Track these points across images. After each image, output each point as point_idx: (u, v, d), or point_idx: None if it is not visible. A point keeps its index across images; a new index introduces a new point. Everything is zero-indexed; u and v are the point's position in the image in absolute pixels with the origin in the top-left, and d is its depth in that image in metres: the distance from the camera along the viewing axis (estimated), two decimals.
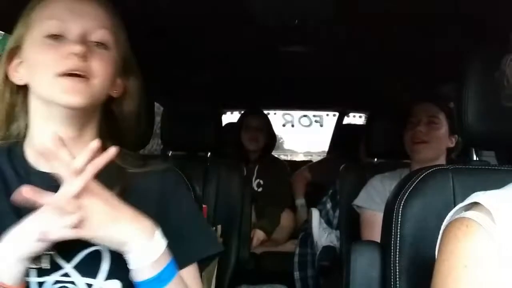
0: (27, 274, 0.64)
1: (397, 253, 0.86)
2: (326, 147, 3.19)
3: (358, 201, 1.58)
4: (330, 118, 3.30)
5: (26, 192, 0.58)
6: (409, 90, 2.04)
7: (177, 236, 0.71)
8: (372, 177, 1.59)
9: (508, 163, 0.92)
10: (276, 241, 2.33)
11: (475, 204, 0.63)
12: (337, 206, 1.94)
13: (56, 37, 0.69)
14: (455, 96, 0.88)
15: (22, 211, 0.64)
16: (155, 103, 1.73)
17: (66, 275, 0.67)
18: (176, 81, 2.03)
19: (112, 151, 0.63)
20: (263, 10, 1.23)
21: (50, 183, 0.64)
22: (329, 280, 1.89)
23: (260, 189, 2.45)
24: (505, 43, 0.67)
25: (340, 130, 3.09)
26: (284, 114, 3.36)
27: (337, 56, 1.73)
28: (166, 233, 0.68)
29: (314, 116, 3.41)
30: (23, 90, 0.73)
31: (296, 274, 2.06)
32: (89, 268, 0.68)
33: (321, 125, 3.43)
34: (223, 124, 2.86)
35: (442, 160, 1.53)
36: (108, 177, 0.67)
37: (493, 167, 0.92)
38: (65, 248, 0.66)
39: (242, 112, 2.67)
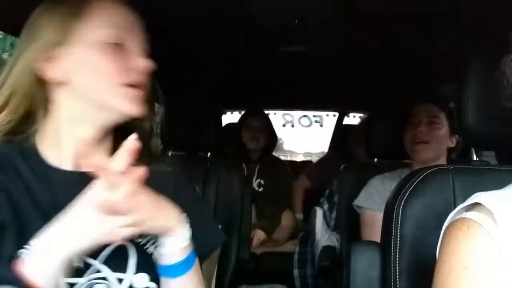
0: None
1: (397, 253, 0.86)
2: (326, 148, 3.19)
3: (358, 201, 1.58)
4: (330, 118, 3.30)
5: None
6: (409, 90, 2.04)
7: None
8: (372, 177, 1.59)
9: (508, 163, 0.92)
10: (277, 241, 2.33)
11: (476, 205, 0.63)
12: (333, 207, 1.95)
13: (116, 45, 0.70)
14: (455, 96, 0.88)
15: (46, 210, 0.65)
16: (155, 103, 1.73)
17: (97, 271, 0.68)
18: (176, 81, 2.03)
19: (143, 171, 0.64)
20: (263, 10, 1.22)
21: (71, 181, 0.67)
22: (329, 280, 1.89)
23: (260, 189, 2.45)
24: (505, 43, 0.67)
25: (340, 130, 3.09)
26: (284, 114, 3.36)
27: (337, 56, 1.72)
28: None
29: (314, 116, 3.41)
30: (46, 87, 0.71)
31: (296, 272, 2.06)
32: (117, 263, 0.69)
33: (321, 125, 3.43)
34: (223, 124, 2.87)
35: (442, 160, 1.53)
36: None
37: (493, 167, 0.92)
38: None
39: (243, 112, 2.67)
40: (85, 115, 0.71)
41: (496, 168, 0.92)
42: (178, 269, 0.70)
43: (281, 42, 1.57)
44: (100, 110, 0.70)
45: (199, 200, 0.86)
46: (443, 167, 0.91)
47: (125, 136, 0.66)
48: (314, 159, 3.73)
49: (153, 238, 0.73)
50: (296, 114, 3.38)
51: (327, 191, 2.03)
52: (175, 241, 0.69)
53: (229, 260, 1.63)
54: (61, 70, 0.69)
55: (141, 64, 0.71)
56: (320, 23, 1.32)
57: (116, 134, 0.77)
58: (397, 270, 0.85)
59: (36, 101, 0.70)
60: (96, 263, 0.68)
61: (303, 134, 4.04)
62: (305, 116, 3.39)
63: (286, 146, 4.72)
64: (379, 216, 0.99)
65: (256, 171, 2.47)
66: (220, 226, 0.93)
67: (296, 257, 2.09)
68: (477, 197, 0.63)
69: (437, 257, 0.64)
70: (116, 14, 0.71)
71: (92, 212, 0.61)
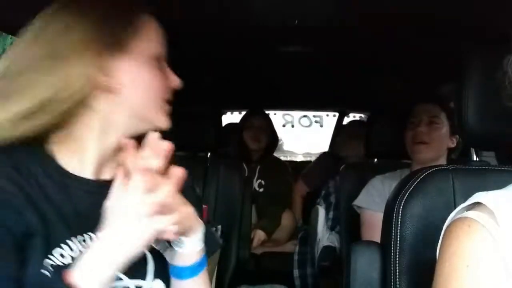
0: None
1: (397, 253, 0.86)
2: (326, 148, 3.19)
3: (359, 202, 1.58)
4: (330, 118, 3.30)
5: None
6: (409, 90, 2.04)
7: None
8: (372, 177, 1.59)
9: (508, 163, 0.92)
10: (277, 241, 2.33)
11: (477, 204, 0.63)
12: (330, 207, 1.95)
13: (158, 60, 0.72)
14: (455, 96, 0.88)
15: (67, 218, 0.64)
16: None
17: (118, 279, 0.66)
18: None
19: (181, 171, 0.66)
20: (263, 10, 1.22)
21: (91, 190, 0.67)
22: (329, 280, 1.89)
23: (261, 189, 2.45)
24: (505, 43, 0.67)
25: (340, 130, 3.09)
26: (284, 115, 3.36)
27: (337, 56, 1.72)
28: None
29: (314, 116, 3.42)
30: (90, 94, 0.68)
31: (296, 272, 2.06)
32: (134, 270, 0.67)
33: (321, 126, 3.43)
34: (223, 124, 2.87)
35: (443, 161, 1.53)
36: None
37: (493, 167, 0.92)
38: None
39: (243, 112, 2.68)
40: (122, 125, 0.70)
41: (496, 168, 0.92)
42: (194, 270, 0.71)
43: (281, 42, 1.57)
44: (139, 122, 0.71)
45: (198, 203, 0.86)
46: (443, 167, 0.91)
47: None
48: (314, 159, 3.73)
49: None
50: (296, 114, 3.38)
51: (323, 192, 2.03)
52: (196, 241, 0.70)
53: (229, 260, 1.63)
54: (113, 80, 0.67)
55: (176, 82, 0.75)
56: (320, 23, 1.32)
57: None
58: (397, 270, 0.85)
59: (76, 107, 0.66)
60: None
61: (303, 134, 4.04)
62: (305, 116, 3.39)
63: (286, 147, 4.71)
64: (379, 216, 0.99)
65: (257, 171, 2.47)
66: (220, 227, 0.93)
67: (296, 257, 2.09)
68: (478, 197, 0.63)
69: (437, 257, 0.64)
70: (159, 29, 0.73)
71: (138, 215, 0.61)
